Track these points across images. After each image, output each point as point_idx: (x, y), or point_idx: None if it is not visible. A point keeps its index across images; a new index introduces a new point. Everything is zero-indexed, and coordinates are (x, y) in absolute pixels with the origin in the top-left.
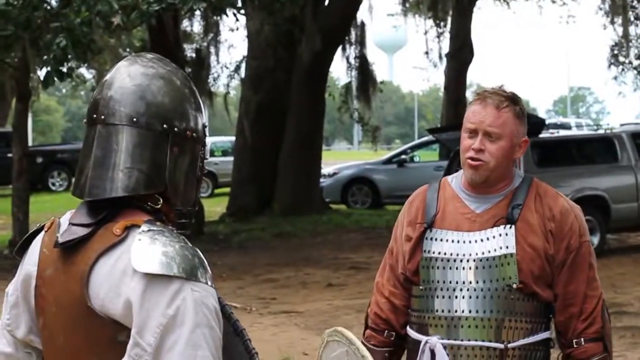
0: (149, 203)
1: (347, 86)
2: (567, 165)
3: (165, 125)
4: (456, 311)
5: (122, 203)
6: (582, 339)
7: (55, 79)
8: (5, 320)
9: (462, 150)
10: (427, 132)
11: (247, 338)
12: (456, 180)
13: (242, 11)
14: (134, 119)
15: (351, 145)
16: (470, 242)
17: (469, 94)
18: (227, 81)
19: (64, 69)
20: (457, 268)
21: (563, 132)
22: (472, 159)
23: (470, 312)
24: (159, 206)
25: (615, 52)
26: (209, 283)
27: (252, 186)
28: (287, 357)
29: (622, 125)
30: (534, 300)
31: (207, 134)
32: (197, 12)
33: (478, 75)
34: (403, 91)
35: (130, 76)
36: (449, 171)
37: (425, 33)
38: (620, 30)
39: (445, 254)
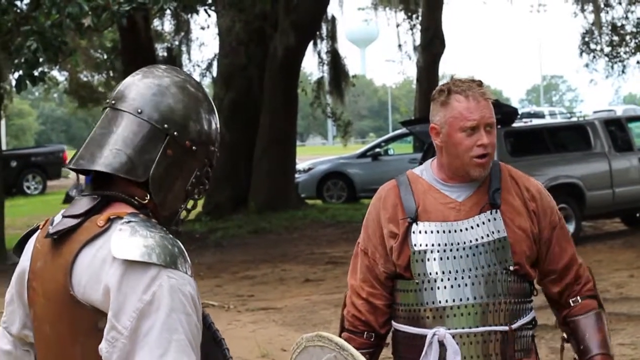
0: (136, 197)
1: (319, 81)
2: (541, 153)
3: (166, 125)
4: (461, 300)
5: (110, 198)
6: (578, 298)
7: (28, 82)
8: (3, 317)
9: (462, 150)
10: (400, 124)
11: (225, 347)
12: (427, 173)
13: (213, 8)
14: (139, 111)
15: (326, 140)
16: (460, 230)
17: None
18: (200, 79)
19: (36, 73)
20: (454, 257)
21: (536, 121)
22: (480, 156)
23: (475, 298)
24: (146, 201)
25: (587, 39)
26: (188, 272)
27: (228, 184)
28: (265, 354)
29: (595, 112)
30: (525, 281)
31: (213, 156)
32: (168, 11)
33: (450, 67)
34: (376, 84)
35: (146, 83)
36: (422, 163)
37: (398, 26)
38: (591, 17)
39: (439, 245)
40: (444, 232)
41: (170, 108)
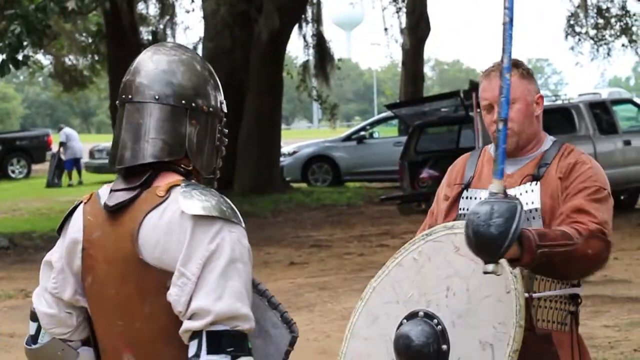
0: (182, 166)
1: (305, 65)
2: None
3: (184, 102)
4: None
5: (158, 167)
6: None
7: (11, 66)
8: (51, 284)
9: (487, 126)
10: (386, 108)
11: (285, 311)
12: (493, 147)
13: None
14: (157, 97)
15: (311, 123)
16: None
17: (427, 69)
18: None
19: (20, 57)
20: None
21: None
22: (498, 130)
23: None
24: (190, 168)
25: (572, 22)
26: (242, 225)
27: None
28: None
29: (580, 95)
30: None
31: (224, 109)
32: None
33: (436, 50)
34: (361, 68)
35: (155, 62)
36: (407, 146)
37: (383, 9)
38: (576, 0)
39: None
40: (478, 198)
41: (182, 84)
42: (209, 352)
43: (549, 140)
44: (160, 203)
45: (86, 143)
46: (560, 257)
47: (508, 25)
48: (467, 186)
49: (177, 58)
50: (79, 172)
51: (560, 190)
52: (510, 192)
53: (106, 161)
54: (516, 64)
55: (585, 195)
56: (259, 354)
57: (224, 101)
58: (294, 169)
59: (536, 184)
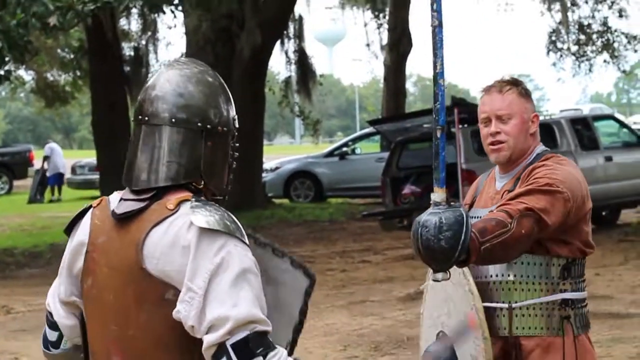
0: (193, 184)
1: (287, 80)
2: None
3: (199, 124)
4: (479, 277)
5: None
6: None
7: None
8: (55, 285)
9: (483, 139)
10: (368, 124)
11: (294, 258)
12: (491, 159)
13: (180, 8)
14: (173, 120)
15: (293, 139)
16: (479, 217)
17: (409, 85)
18: None
19: (1, 72)
20: None
21: None
22: (492, 143)
23: (479, 277)
24: (201, 186)
25: (554, 38)
26: (246, 241)
27: None
28: None
29: (561, 111)
30: (538, 263)
31: (237, 125)
32: (135, 10)
33: (418, 66)
34: (344, 83)
35: (169, 80)
36: (390, 162)
37: (365, 25)
38: (558, 16)
39: None
40: (480, 217)
41: (197, 104)
42: None
43: (535, 151)
44: (169, 216)
45: (68, 159)
46: (500, 245)
47: (438, 29)
48: (471, 206)
49: (191, 74)
50: (59, 189)
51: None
52: (492, 208)
53: (88, 177)
54: (516, 83)
55: (530, 187)
56: (271, 301)
57: (236, 116)
58: (276, 184)
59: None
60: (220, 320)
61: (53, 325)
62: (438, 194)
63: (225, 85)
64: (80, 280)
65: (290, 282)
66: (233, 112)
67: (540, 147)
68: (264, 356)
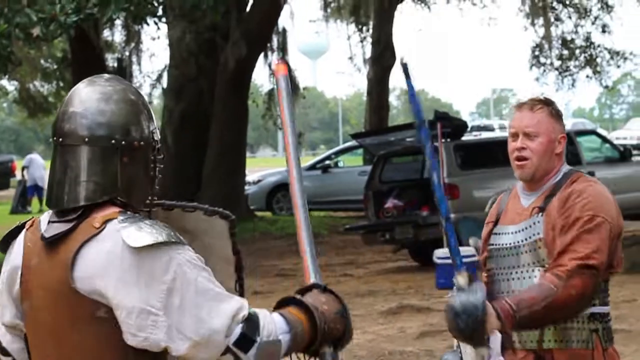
0: (119, 198)
1: (270, 93)
2: (490, 167)
3: (113, 141)
4: (508, 292)
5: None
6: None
7: None
8: None
9: (510, 153)
10: (351, 137)
11: (206, 207)
12: (520, 183)
13: (163, 20)
14: (86, 139)
15: (276, 151)
16: (515, 232)
17: (392, 98)
18: (150, 90)
19: None
20: (509, 255)
21: (486, 134)
22: (517, 158)
23: (507, 293)
24: (126, 200)
25: (537, 53)
26: (184, 242)
27: (176, 195)
28: None
29: None
30: None
31: (156, 137)
32: (118, 22)
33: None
34: (327, 96)
35: (83, 99)
36: (372, 176)
37: (349, 38)
38: (541, 31)
39: (502, 244)
40: (508, 233)
41: (113, 121)
42: (245, 352)
43: (562, 170)
44: (96, 234)
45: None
46: (545, 310)
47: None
48: (496, 223)
49: (110, 91)
50: (40, 200)
51: (559, 220)
52: (522, 225)
53: None
54: (548, 103)
55: (577, 229)
56: (203, 253)
57: (156, 129)
58: (258, 197)
59: (542, 215)
60: (213, 333)
61: (4, 352)
62: (461, 278)
63: (147, 102)
64: (20, 303)
65: (210, 229)
66: (153, 126)
67: (566, 167)
68: (259, 334)
